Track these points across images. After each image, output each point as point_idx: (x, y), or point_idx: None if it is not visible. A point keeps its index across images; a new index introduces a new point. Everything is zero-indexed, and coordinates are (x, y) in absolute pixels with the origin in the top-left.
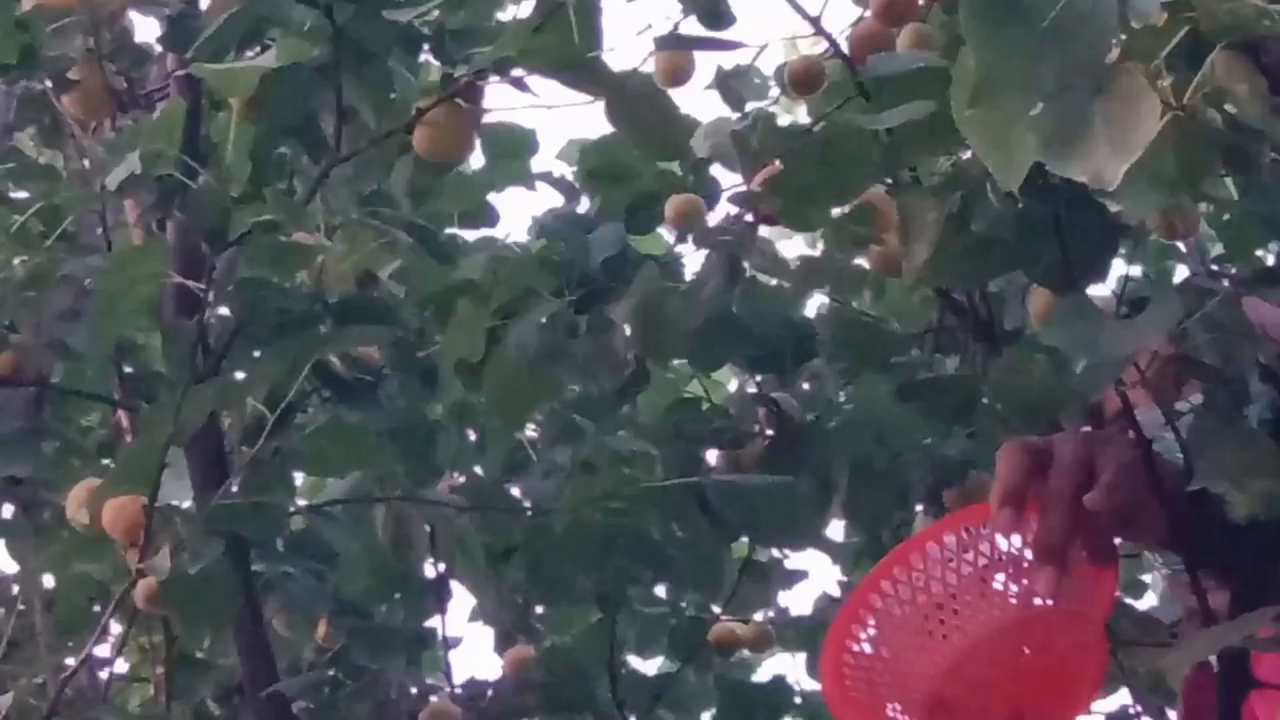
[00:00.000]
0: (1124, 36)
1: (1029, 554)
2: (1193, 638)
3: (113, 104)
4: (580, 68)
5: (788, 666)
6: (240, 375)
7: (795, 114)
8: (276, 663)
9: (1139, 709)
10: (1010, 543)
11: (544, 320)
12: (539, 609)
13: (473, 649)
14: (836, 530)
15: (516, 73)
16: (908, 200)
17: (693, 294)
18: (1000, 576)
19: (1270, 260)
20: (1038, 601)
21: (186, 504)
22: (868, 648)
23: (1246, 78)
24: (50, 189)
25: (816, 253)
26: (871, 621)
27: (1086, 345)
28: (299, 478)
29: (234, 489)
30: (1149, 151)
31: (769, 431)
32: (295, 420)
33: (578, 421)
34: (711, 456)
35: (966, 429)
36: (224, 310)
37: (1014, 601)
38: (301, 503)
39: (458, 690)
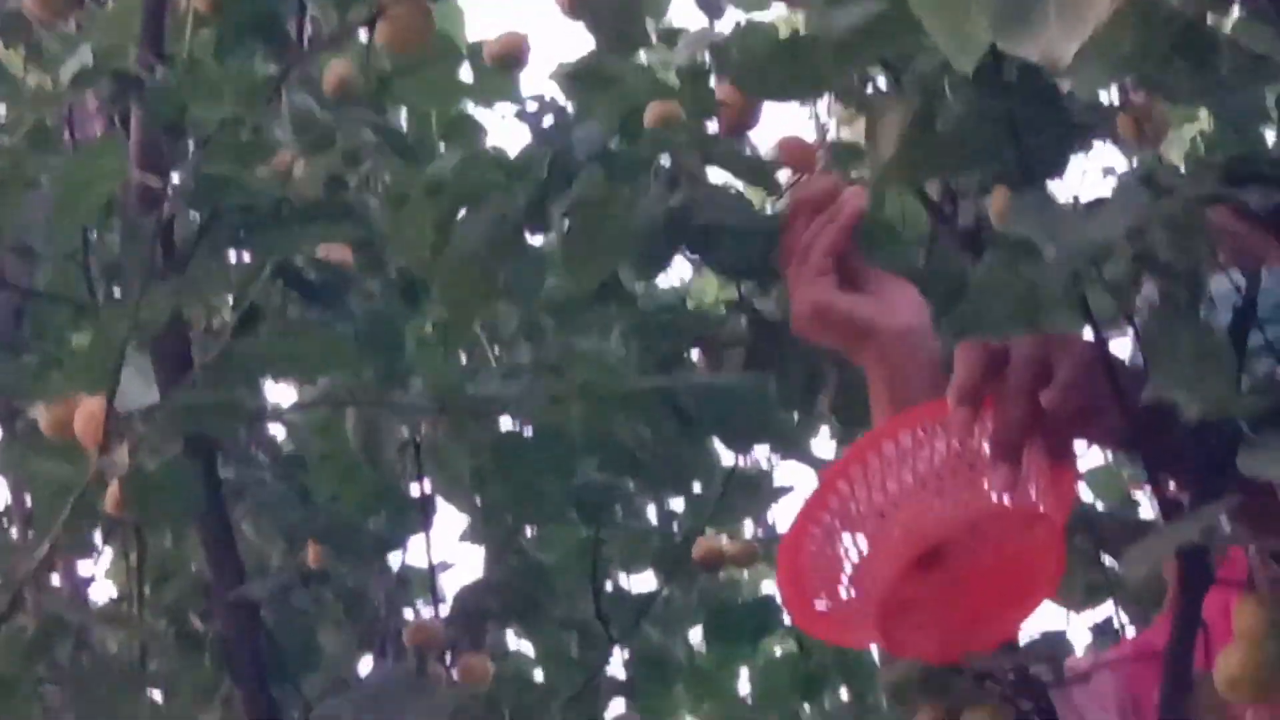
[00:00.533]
0: None
1: (985, 453)
2: (1149, 537)
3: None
4: None
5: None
6: (197, 274)
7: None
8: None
9: (1125, 619)
10: (967, 441)
11: (496, 216)
12: (529, 531)
13: (460, 567)
14: (822, 446)
15: None
16: (875, 101)
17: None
18: (957, 472)
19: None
20: (993, 499)
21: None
22: (827, 543)
23: None
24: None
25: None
26: (831, 516)
27: (1055, 233)
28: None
29: (195, 386)
30: (1103, 31)
31: (746, 340)
32: (263, 323)
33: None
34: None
35: (949, 327)
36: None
37: (969, 500)
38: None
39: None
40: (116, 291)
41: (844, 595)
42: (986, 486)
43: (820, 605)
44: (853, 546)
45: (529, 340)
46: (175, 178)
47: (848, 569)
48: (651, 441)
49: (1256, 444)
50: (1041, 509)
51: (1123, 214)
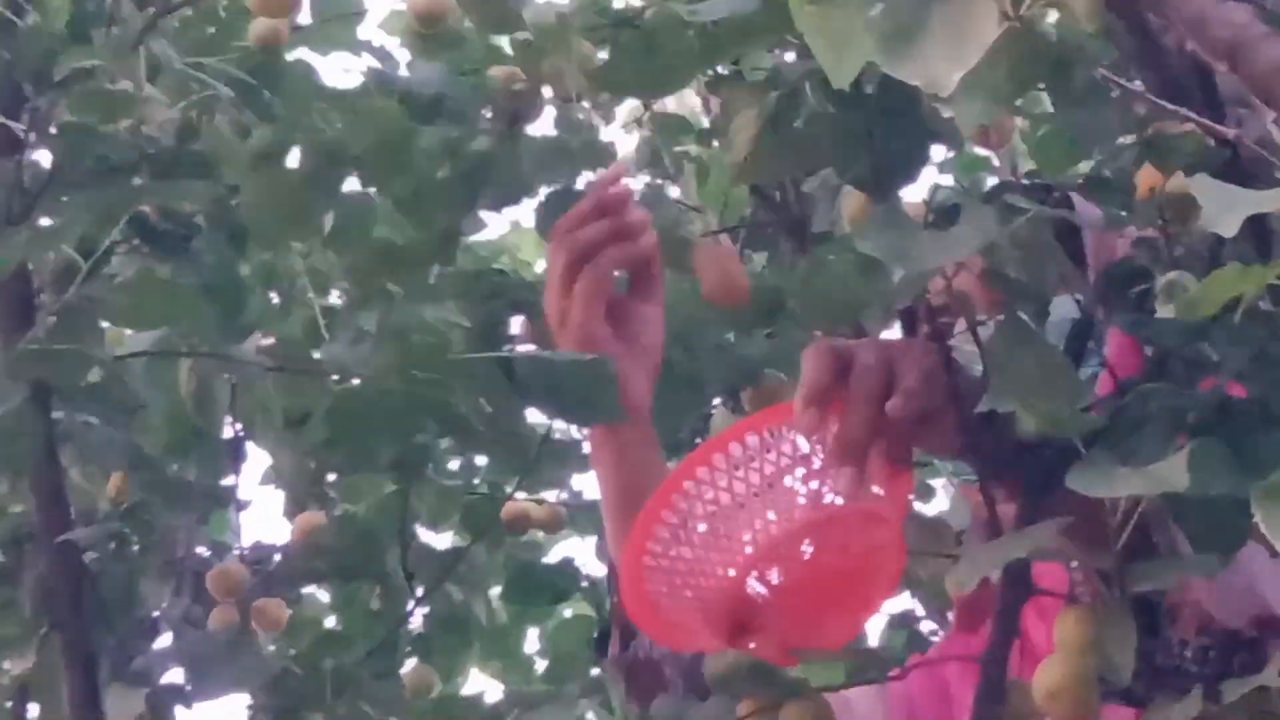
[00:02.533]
0: None
1: (828, 456)
2: (979, 550)
3: None
4: None
5: (577, 549)
6: (48, 221)
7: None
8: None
9: (921, 612)
10: (811, 443)
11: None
12: (331, 476)
13: (262, 512)
14: None
15: None
16: (731, 94)
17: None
18: (800, 476)
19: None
20: (836, 502)
21: None
22: (669, 551)
23: None
24: None
25: (634, 140)
26: (674, 520)
27: (900, 254)
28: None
29: (40, 335)
30: (982, 60)
31: None
32: (105, 270)
33: (388, 288)
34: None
35: (767, 330)
36: (36, 154)
37: (812, 502)
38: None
39: (244, 551)
40: None
41: (685, 598)
42: (829, 489)
43: (659, 605)
44: (694, 550)
45: (363, 295)
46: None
47: (688, 573)
48: (487, 411)
49: (1088, 462)
50: (881, 510)
51: (970, 237)
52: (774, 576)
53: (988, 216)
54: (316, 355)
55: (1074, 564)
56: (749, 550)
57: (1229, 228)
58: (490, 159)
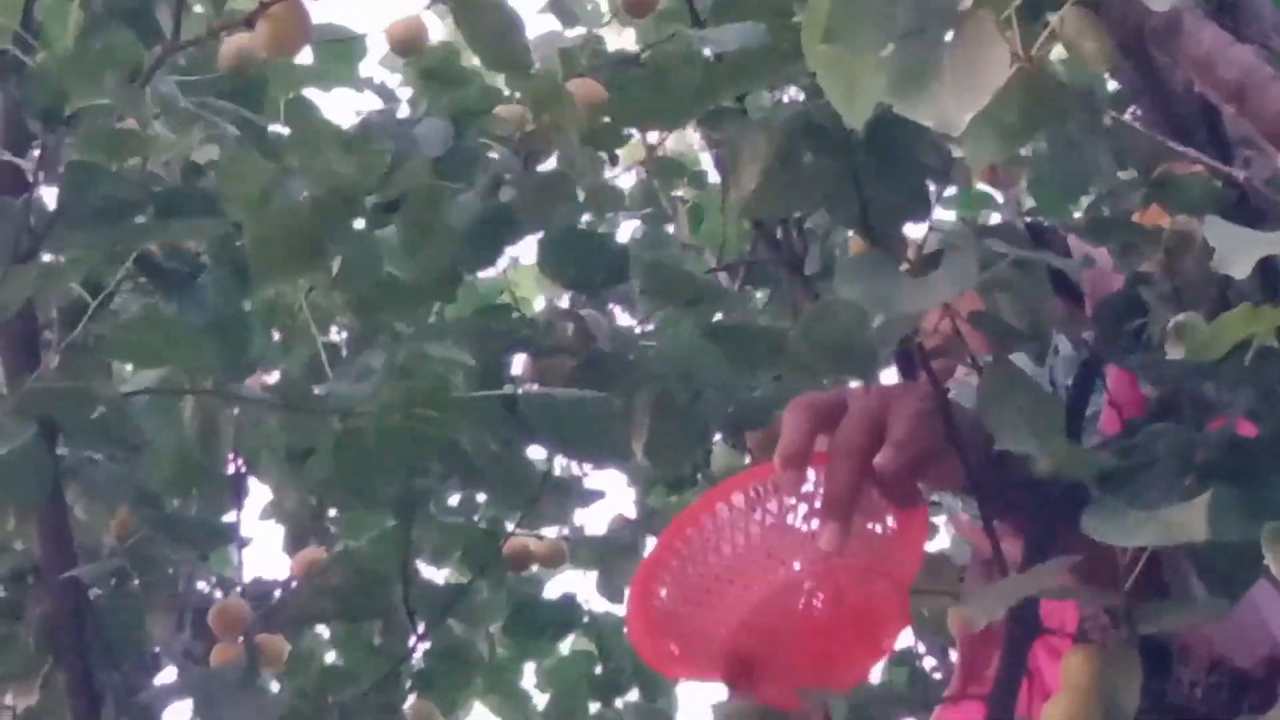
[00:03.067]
0: None
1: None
2: (987, 589)
3: None
4: None
5: (578, 584)
6: (55, 258)
7: (623, 39)
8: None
9: (923, 649)
10: (797, 501)
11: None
12: (332, 511)
13: (261, 548)
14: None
15: None
16: (737, 130)
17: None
18: (785, 534)
19: (1078, 214)
20: (822, 560)
21: None
22: (673, 588)
23: (1094, 35)
24: None
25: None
26: (676, 564)
27: (881, 300)
28: None
29: (46, 372)
30: (993, 100)
31: (575, 352)
32: (110, 307)
33: (394, 326)
34: (515, 368)
35: (773, 373)
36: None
37: (799, 558)
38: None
39: (244, 587)
40: None
41: (692, 644)
42: (819, 543)
43: (667, 646)
44: (693, 602)
45: (365, 332)
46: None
47: (691, 622)
48: (491, 449)
49: (1102, 506)
50: (875, 562)
51: (950, 282)
52: (768, 630)
53: (969, 261)
54: (320, 391)
55: (1084, 604)
56: (742, 606)
57: (1241, 270)
58: (513, 208)
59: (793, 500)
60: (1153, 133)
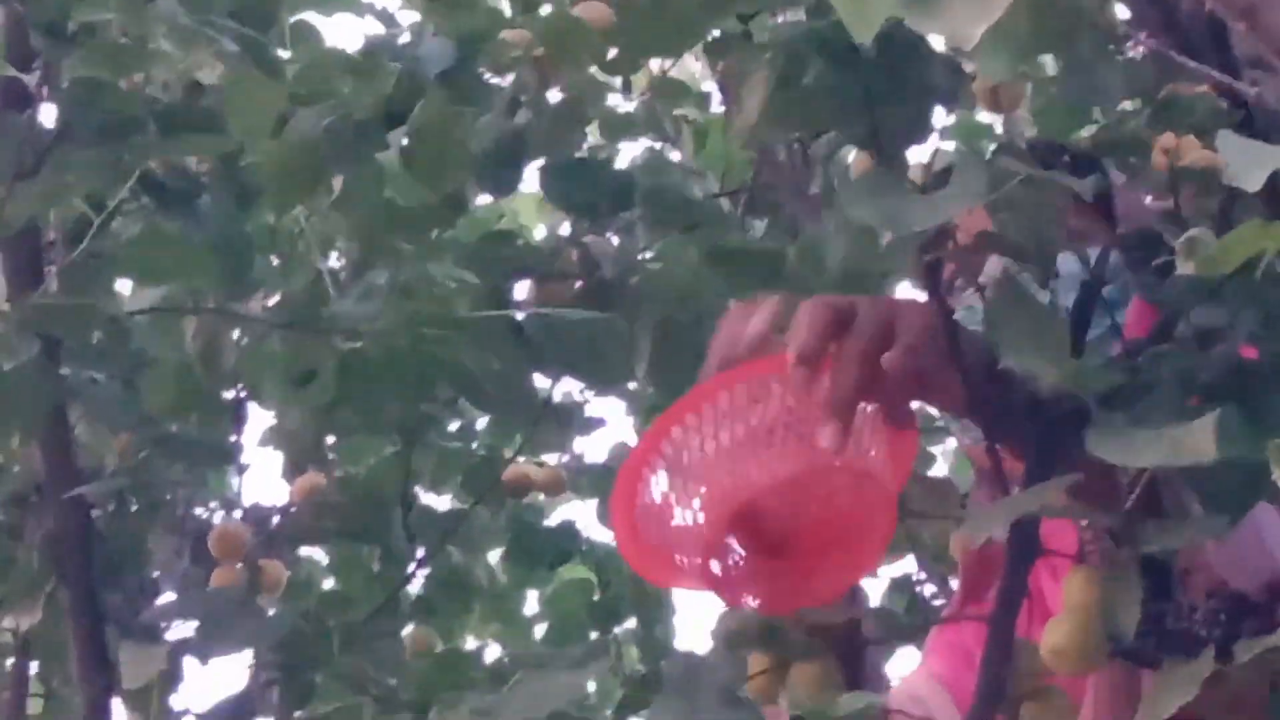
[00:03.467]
0: None
1: (818, 411)
2: (986, 507)
3: None
4: None
5: (578, 512)
6: (59, 174)
7: None
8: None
9: (923, 576)
10: (801, 398)
11: (337, 113)
12: (331, 438)
13: (259, 474)
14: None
15: None
16: (739, 55)
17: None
18: (788, 429)
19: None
20: (820, 456)
21: None
22: (657, 492)
23: None
24: None
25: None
26: (662, 465)
27: (891, 218)
28: None
29: (50, 290)
30: (1004, 16)
31: (578, 277)
32: (112, 225)
33: (397, 246)
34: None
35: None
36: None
37: (797, 454)
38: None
39: (244, 511)
40: None
41: (672, 538)
42: (816, 444)
43: (648, 542)
44: (682, 492)
45: (369, 254)
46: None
47: (677, 514)
48: (496, 370)
49: (1106, 425)
50: (870, 469)
51: (958, 199)
52: (760, 525)
53: (977, 177)
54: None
55: (1083, 523)
56: (731, 495)
57: (1253, 183)
58: (527, 132)
59: (792, 400)
60: (1169, 52)
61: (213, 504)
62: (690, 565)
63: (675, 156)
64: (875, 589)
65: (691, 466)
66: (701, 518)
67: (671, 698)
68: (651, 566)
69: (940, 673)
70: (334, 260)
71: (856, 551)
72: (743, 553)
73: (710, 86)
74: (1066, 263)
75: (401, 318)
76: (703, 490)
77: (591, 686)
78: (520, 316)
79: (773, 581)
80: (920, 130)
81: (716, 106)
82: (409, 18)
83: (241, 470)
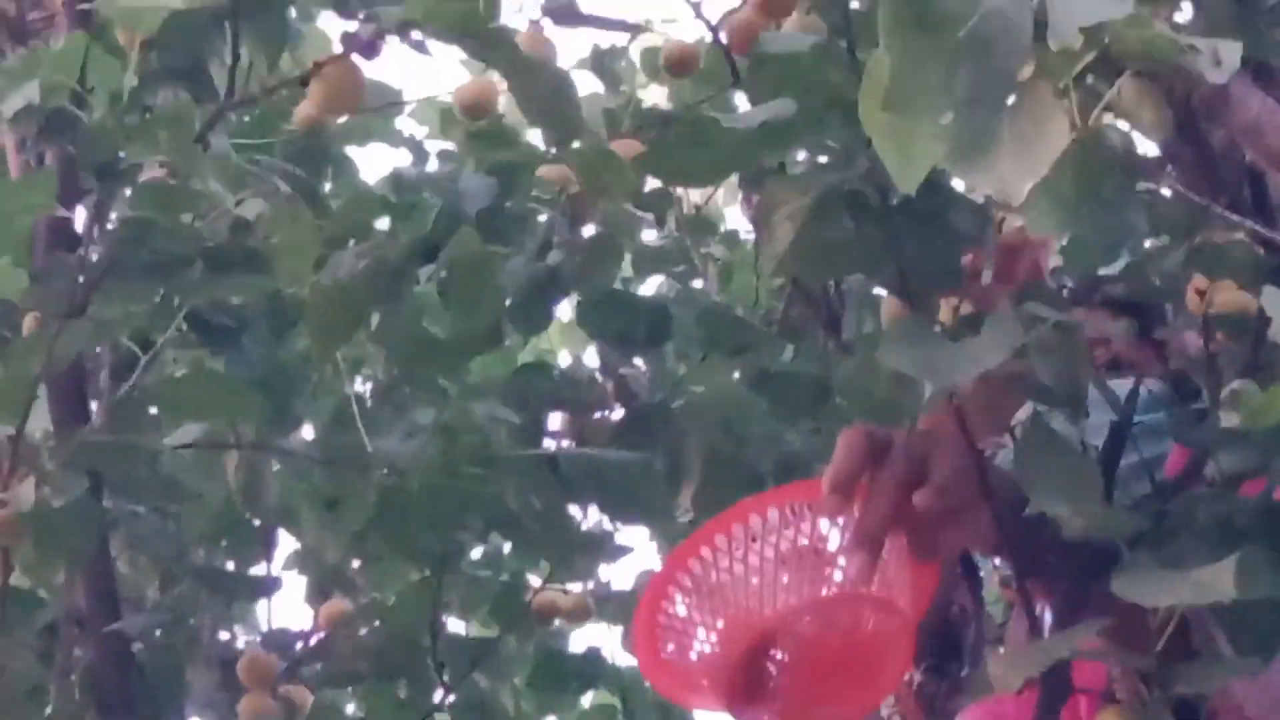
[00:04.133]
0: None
1: (846, 540)
2: (1020, 650)
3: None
4: (483, 36)
5: (603, 638)
6: (107, 312)
7: (657, 96)
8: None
9: None
10: (834, 525)
11: (376, 253)
12: (355, 563)
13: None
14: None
15: (415, 35)
16: (772, 188)
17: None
18: (817, 555)
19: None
20: (844, 586)
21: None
22: (682, 611)
23: (1152, 104)
24: None
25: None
26: (689, 584)
27: (926, 369)
28: None
29: (96, 426)
30: (1050, 170)
31: (617, 407)
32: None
33: (439, 382)
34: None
35: (813, 423)
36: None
37: (820, 583)
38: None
39: (268, 637)
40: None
41: (694, 658)
42: (840, 574)
43: (670, 661)
44: (707, 613)
45: (400, 385)
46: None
47: (700, 635)
48: (534, 506)
49: (1131, 566)
50: (893, 599)
51: (995, 347)
52: (780, 652)
53: (1012, 326)
54: (367, 447)
55: (1115, 665)
56: (758, 622)
57: None
58: (561, 269)
59: (823, 527)
60: (1195, 197)
61: (237, 628)
62: (711, 687)
63: (699, 286)
64: None
65: (717, 588)
66: (723, 639)
67: None
68: (673, 687)
69: None
70: (360, 385)
71: (875, 678)
72: (764, 676)
73: (736, 222)
74: (1095, 402)
75: (442, 455)
76: (727, 611)
77: None
78: (557, 452)
79: (792, 705)
80: (950, 275)
81: (745, 234)
82: (436, 145)
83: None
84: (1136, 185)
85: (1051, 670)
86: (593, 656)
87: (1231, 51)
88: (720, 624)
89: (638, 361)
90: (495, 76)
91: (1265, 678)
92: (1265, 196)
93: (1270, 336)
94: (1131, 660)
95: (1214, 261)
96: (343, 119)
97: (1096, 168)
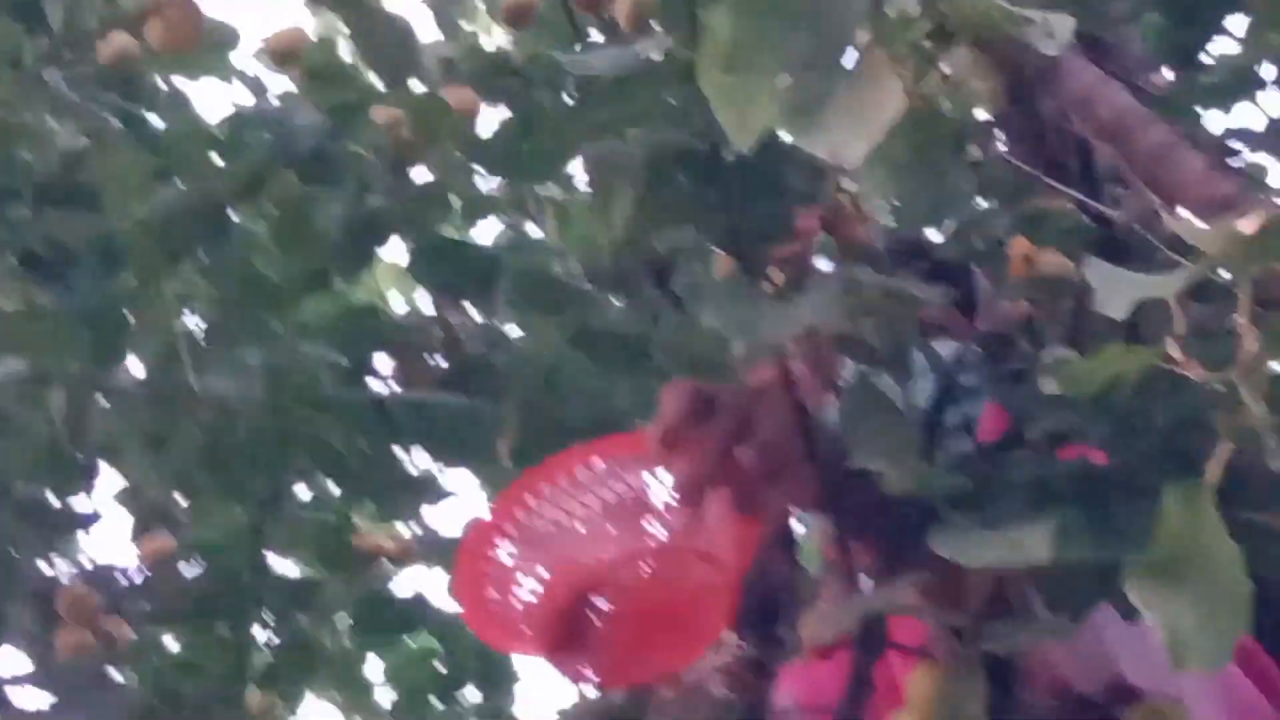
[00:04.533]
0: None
1: (669, 494)
2: (837, 604)
3: None
4: None
5: (426, 581)
6: None
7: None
8: None
9: None
10: (658, 479)
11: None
12: (180, 499)
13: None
14: None
15: None
16: (606, 158)
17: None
18: (639, 508)
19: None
20: (666, 539)
21: None
22: (506, 558)
23: (985, 74)
24: None
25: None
26: (514, 532)
27: (745, 327)
28: None
29: None
30: (885, 137)
31: (442, 358)
32: None
33: (269, 323)
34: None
35: (634, 379)
36: None
37: (642, 535)
38: None
39: (89, 573)
40: None
41: (516, 605)
42: (662, 526)
43: (492, 608)
44: (529, 561)
45: (231, 324)
46: None
47: (522, 583)
48: (359, 448)
49: (950, 525)
50: (714, 553)
51: (812, 310)
52: (602, 602)
53: (833, 289)
54: (194, 385)
55: (931, 622)
56: (581, 572)
57: (1119, 311)
58: (386, 215)
59: (648, 481)
60: (1024, 166)
61: (58, 562)
62: (532, 635)
63: (536, 233)
64: None
65: (542, 537)
66: (546, 588)
67: None
68: (495, 633)
69: None
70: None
71: (694, 631)
72: (585, 625)
73: (574, 167)
74: (919, 359)
75: (271, 395)
76: (551, 560)
77: None
78: (386, 395)
79: (611, 655)
80: (780, 232)
81: (580, 185)
82: (275, 82)
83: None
84: (965, 151)
85: (867, 626)
86: (416, 601)
87: (1064, 24)
88: (543, 572)
89: (469, 309)
90: (317, 23)
91: (1077, 638)
92: (1093, 168)
93: (1095, 306)
94: (946, 617)
95: (1040, 228)
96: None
97: (929, 134)
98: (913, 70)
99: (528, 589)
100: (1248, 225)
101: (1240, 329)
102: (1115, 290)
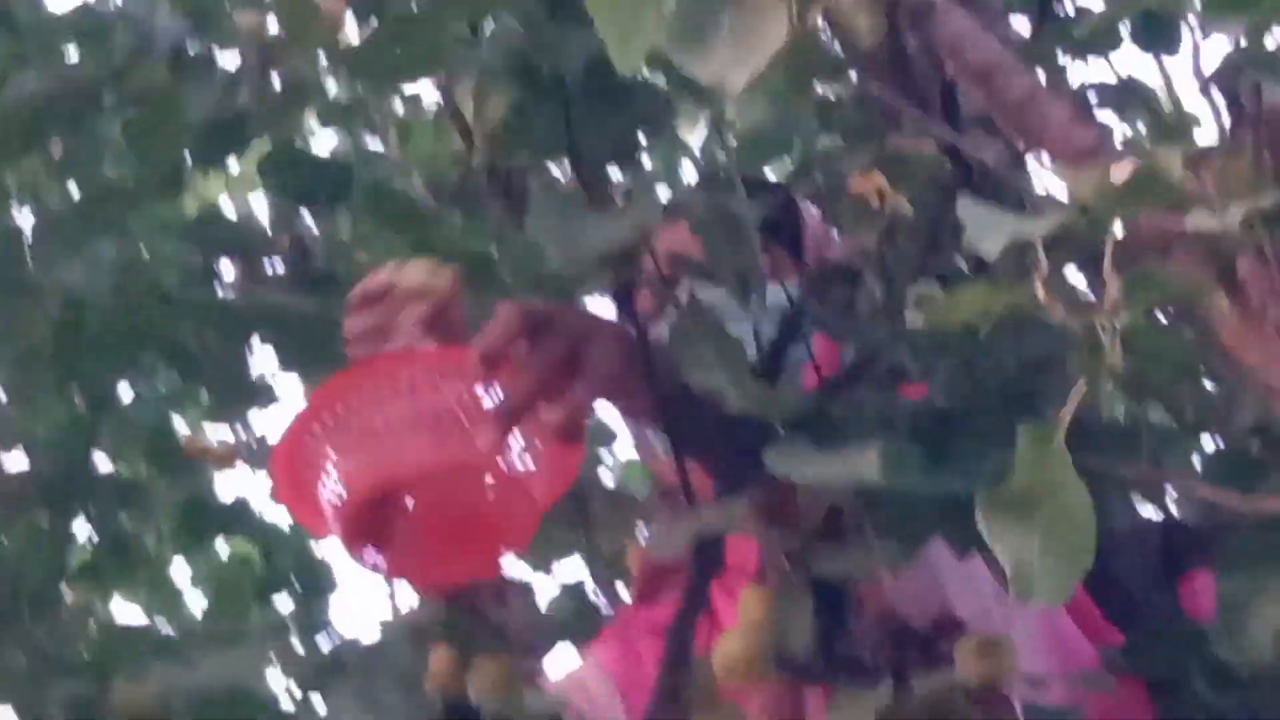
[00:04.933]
0: None
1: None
2: (671, 522)
3: None
4: None
5: (251, 486)
6: None
7: None
8: None
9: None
10: (481, 394)
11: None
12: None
13: None
14: None
15: None
16: (468, 78)
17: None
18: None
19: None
20: (475, 452)
21: None
22: (318, 453)
23: (869, 10)
24: None
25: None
26: (330, 423)
27: (564, 240)
28: None
29: None
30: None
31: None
32: None
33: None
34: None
35: (478, 298)
36: None
37: (451, 448)
38: None
39: None
40: None
41: (324, 493)
42: (480, 440)
43: (303, 490)
44: (340, 454)
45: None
46: None
47: (330, 472)
48: (207, 346)
49: (786, 444)
50: (519, 478)
51: (628, 224)
52: (407, 502)
53: (654, 201)
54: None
55: (764, 543)
56: (390, 474)
57: (992, 249)
58: (247, 116)
59: (469, 394)
60: (890, 101)
61: None
62: (335, 523)
63: (379, 148)
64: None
65: (356, 433)
66: (350, 481)
67: (351, 682)
68: (302, 510)
69: (607, 664)
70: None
71: (493, 544)
72: (389, 521)
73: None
74: (775, 294)
75: (119, 292)
76: (360, 456)
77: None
78: (235, 296)
79: (409, 552)
80: (623, 154)
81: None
82: None
83: None
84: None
85: (702, 544)
86: (239, 504)
87: None
88: (351, 465)
89: (308, 220)
90: None
91: (909, 570)
92: (957, 110)
93: (966, 244)
94: (779, 538)
95: (901, 169)
96: None
97: (808, 66)
98: (795, 3)
99: (334, 478)
100: (1119, 173)
101: (1105, 275)
102: (988, 230)
